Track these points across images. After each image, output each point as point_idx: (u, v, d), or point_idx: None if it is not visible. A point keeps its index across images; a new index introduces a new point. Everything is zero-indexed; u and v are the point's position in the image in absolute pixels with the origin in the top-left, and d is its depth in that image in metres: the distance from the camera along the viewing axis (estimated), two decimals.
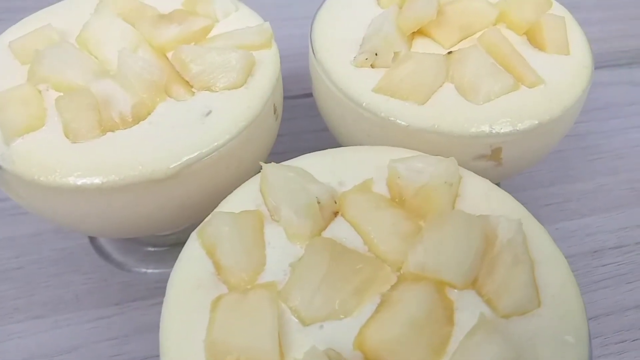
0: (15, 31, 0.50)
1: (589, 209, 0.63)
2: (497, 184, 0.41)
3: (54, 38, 0.47)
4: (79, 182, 0.39)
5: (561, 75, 0.47)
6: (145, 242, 0.59)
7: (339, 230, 0.37)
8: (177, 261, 0.36)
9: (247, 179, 0.47)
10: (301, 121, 0.70)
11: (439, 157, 0.39)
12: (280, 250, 0.36)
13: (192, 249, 0.36)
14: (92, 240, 0.59)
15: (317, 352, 0.30)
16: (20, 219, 0.61)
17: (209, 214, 0.45)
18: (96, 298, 0.56)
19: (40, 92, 0.44)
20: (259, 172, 0.41)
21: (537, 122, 0.44)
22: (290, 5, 0.90)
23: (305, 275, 0.34)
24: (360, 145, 0.48)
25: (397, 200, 0.39)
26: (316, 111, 0.59)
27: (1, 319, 0.54)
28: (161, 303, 0.54)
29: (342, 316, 0.33)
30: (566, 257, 0.37)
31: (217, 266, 0.35)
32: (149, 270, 0.57)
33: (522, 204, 0.39)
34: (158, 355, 0.52)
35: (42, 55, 0.44)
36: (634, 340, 0.53)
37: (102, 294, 0.56)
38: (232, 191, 0.46)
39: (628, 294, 0.56)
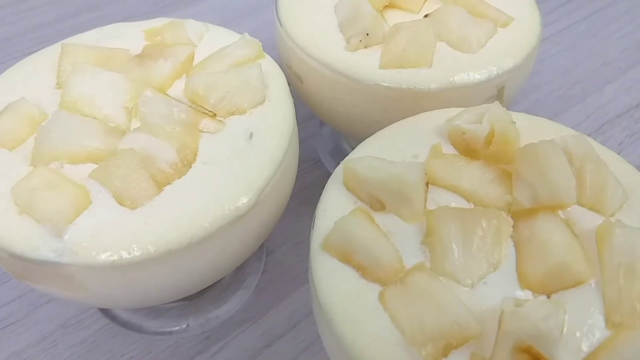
0: None
1: None
2: None
3: (34, 112, 0.42)
4: (166, 246, 0.36)
5: (521, 9, 0.53)
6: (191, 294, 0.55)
7: (439, 198, 0.39)
8: (317, 282, 0.35)
9: (292, 187, 0.47)
10: None
11: (483, 105, 0.43)
12: (401, 234, 0.37)
13: (325, 263, 0.36)
14: (114, 318, 0.54)
15: (510, 300, 0.32)
16: (14, 329, 0.53)
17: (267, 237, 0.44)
18: None
19: (56, 171, 0.39)
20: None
21: (526, 53, 0.50)
22: (209, 13, 0.88)
23: (448, 245, 0.35)
24: (374, 124, 0.49)
25: (468, 154, 0.41)
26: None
27: None
28: (221, 350, 0.53)
29: (495, 267, 0.35)
30: None
31: (360, 268, 0.35)
32: (190, 324, 0.54)
33: None
34: None
35: (47, 131, 0.39)
36: None
37: None
38: (285, 205, 0.45)
39: None
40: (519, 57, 0.49)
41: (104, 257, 0.35)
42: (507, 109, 0.52)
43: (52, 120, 0.40)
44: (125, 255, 0.35)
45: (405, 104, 0.48)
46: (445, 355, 0.32)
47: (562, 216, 0.38)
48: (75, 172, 0.39)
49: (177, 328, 0.53)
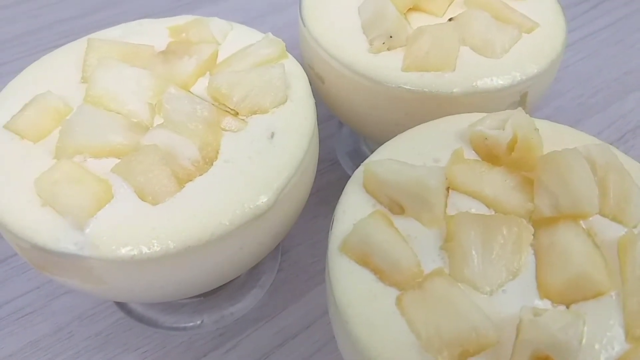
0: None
1: None
2: None
3: (60, 106, 0.42)
4: (185, 242, 0.36)
5: (546, 15, 0.53)
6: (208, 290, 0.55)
7: (460, 203, 0.39)
8: (335, 283, 0.35)
9: (311, 187, 0.47)
10: None
11: (506, 111, 0.42)
12: (422, 238, 0.37)
13: (343, 265, 0.36)
14: (129, 312, 0.54)
15: (527, 311, 0.32)
16: (31, 319, 0.54)
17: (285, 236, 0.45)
18: None
19: (79, 165, 0.39)
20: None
21: (550, 60, 0.49)
22: (234, 11, 0.88)
23: (467, 251, 0.35)
24: (395, 127, 0.49)
25: (489, 160, 0.41)
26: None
27: None
28: (235, 347, 0.53)
29: (515, 275, 0.35)
30: None
31: (378, 272, 0.35)
32: (205, 320, 0.54)
33: None
34: None
35: (71, 125, 0.40)
36: None
37: None
38: (304, 205, 0.45)
39: None
40: (543, 64, 0.49)
41: (124, 251, 0.36)
42: (530, 116, 0.52)
43: (76, 114, 0.40)
44: (145, 250, 0.36)
45: (427, 108, 0.48)
46: None
47: (584, 226, 0.37)
48: (98, 166, 0.39)
49: (191, 324, 0.53)
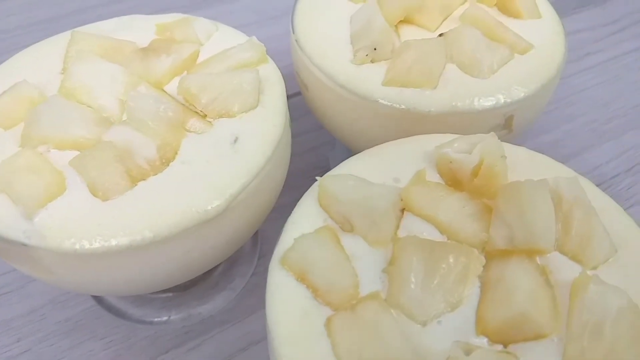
0: None
1: (563, 156, 0.68)
2: None
3: (34, 95, 0.43)
4: (128, 240, 0.36)
5: (543, 37, 0.50)
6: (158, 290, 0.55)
7: (412, 226, 0.38)
8: (269, 295, 0.35)
9: (276, 197, 0.47)
10: (294, 123, 0.69)
11: (478, 135, 0.41)
12: (365, 259, 0.36)
13: (281, 278, 0.35)
14: (100, 301, 0.55)
15: (458, 348, 0.30)
16: (8, 299, 0.55)
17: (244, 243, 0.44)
18: None
19: (42, 155, 0.40)
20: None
21: (540, 84, 0.47)
22: (243, 12, 0.88)
23: (406, 277, 0.34)
24: (374, 140, 0.48)
25: (452, 184, 0.40)
26: (302, 111, 0.59)
27: None
28: (197, 347, 0.53)
29: (454, 307, 0.34)
30: None
31: (314, 289, 0.34)
32: (172, 317, 0.54)
33: None
34: None
35: (37, 114, 0.40)
36: None
37: (129, 354, 0.52)
38: (267, 212, 0.45)
39: None
40: (532, 88, 0.47)
41: (68, 244, 0.36)
42: (518, 139, 0.50)
43: (45, 104, 0.41)
44: (87, 245, 0.36)
45: (405, 125, 0.47)
46: None
47: (540, 262, 0.35)
48: (60, 157, 0.40)
49: (158, 319, 0.54)
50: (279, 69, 0.48)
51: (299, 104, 0.59)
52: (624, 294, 0.32)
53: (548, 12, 0.54)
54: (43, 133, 0.40)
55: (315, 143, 0.69)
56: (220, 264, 0.57)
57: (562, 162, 0.66)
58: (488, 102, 0.45)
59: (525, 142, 0.69)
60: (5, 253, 0.39)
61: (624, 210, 0.39)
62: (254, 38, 0.49)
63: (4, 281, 0.56)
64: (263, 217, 0.45)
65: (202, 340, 0.53)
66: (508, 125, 0.48)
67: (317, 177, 0.39)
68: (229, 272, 0.57)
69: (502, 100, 0.46)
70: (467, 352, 0.31)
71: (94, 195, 0.38)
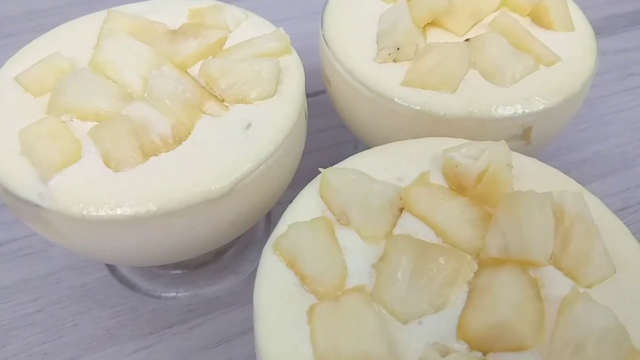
0: (18, 63, 0.47)
1: (590, 176, 0.66)
2: None
3: (66, 66, 0.45)
4: (133, 211, 0.38)
5: (573, 50, 0.49)
6: (170, 266, 0.57)
7: (408, 225, 0.38)
8: (258, 277, 0.35)
9: (286, 185, 0.47)
10: (318, 119, 0.70)
11: (489, 141, 0.40)
12: (358, 253, 0.36)
13: (271, 263, 0.36)
14: (113, 271, 0.57)
15: (432, 349, 0.30)
16: (29, 260, 0.58)
17: (250, 227, 0.45)
18: (130, 330, 0.54)
19: (64, 123, 0.42)
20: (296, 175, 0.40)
21: (562, 98, 0.46)
22: (286, 5, 0.90)
23: (394, 274, 0.34)
24: (390, 139, 0.48)
25: (456, 189, 0.39)
26: (325, 109, 0.59)
27: None
28: (199, 325, 0.54)
29: (437, 309, 0.34)
30: None
31: (302, 277, 0.35)
32: (179, 294, 0.56)
33: None
34: None
35: (64, 84, 0.42)
36: None
37: (135, 325, 0.54)
38: (275, 200, 0.46)
39: None
40: (553, 101, 0.46)
41: (76, 209, 0.38)
42: (543, 155, 0.49)
43: (71, 75, 0.43)
44: (93, 211, 0.38)
45: (421, 126, 0.47)
46: None
47: (533, 275, 0.35)
48: (81, 127, 0.42)
49: (165, 294, 0.55)
50: (304, 64, 0.49)
51: (326, 100, 0.59)
52: (612, 315, 0.31)
53: (583, 27, 0.52)
54: (67, 102, 0.42)
55: (339, 140, 0.69)
56: (231, 247, 0.59)
57: (589, 183, 0.65)
58: (505, 111, 0.45)
59: (553, 159, 0.68)
60: (22, 213, 0.41)
61: None
62: (281, 29, 0.50)
63: (27, 243, 0.59)
64: (269, 205, 0.46)
65: (205, 320, 0.55)
66: (526, 137, 0.47)
67: (320, 169, 0.39)
68: (240, 256, 0.59)
69: (520, 111, 0.45)
70: (443, 355, 0.31)
71: (107, 165, 0.40)
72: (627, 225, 0.61)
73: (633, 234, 0.60)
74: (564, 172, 0.66)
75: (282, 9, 0.89)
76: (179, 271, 0.57)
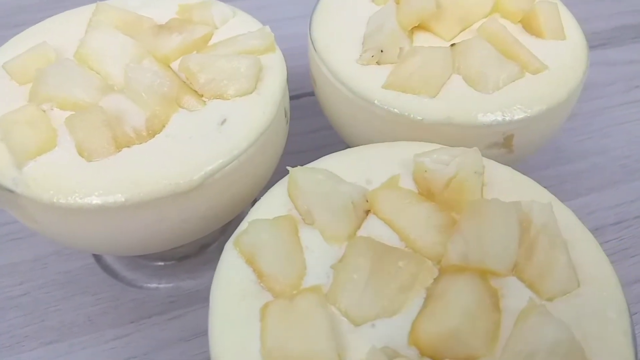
0: (7, 51, 0.48)
1: (586, 188, 0.65)
2: None
3: (51, 56, 0.46)
4: (101, 201, 0.38)
5: (561, 59, 0.49)
6: (153, 257, 0.58)
7: (373, 228, 0.38)
8: (217, 272, 0.36)
9: (263, 184, 0.47)
10: (304, 121, 0.70)
11: (462, 148, 0.40)
12: (319, 253, 0.36)
13: (231, 258, 0.36)
14: (98, 260, 0.58)
15: (378, 353, 0.30)
16: (19, 244, 0.59)
17: (225, 223, 0.45)
18: (110, 318, 0.54)
19: (44, 112, 0.43)
20: (274, 175, 0.41)
21: (545, 107, 0.45)
22: (278, 6, 0.90)
23: (350, 275, 0.34)
24: (371, 142, 0.48)
25: (425, 194, 0.39)
26: (316, 110, 0.59)
27: (12, 349, 0.52)
28: (178, 317, 0.54)
29: (391, 313, 0.33)
30: None
31: (259, 274, 0.35)
32: (161, 285, 0.56)
33: None
34: None
35: (45, 73, 0.43)
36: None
37: (115, 313, 0.55)
38: (250, 197, 0.46)
39: (633, 267, 0.58)
40: (536, 109, 0.45)
41: (46, 195, 0.38)
42: (517, 159, 0.49)
43: (54, 65, 0.44)
44: (62, 199, 0.38)
45: (401, 130, 0.46)
46: None
47: (495, 284, 0.35)
48: (61, 116, 0.42)
49: (147, 285, 0.56)
50: (300, 65, 0.49)
51: (314, 102, 0.59)
52: (565, 328, 0.31)
53: (575, 36, 0.51)
54: (47, 91, 0.43)
55: (331, 141, 0.69)
56: (215, 241, 0.59)
57: (584, 195, 0.64)
58: (485, 118, 0.44)
59: (548, 169, 0.67)
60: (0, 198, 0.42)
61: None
62: (267, 27, 0.50)
63: (17, 228, 0.60)
64: (245, 202, 0.46)
65: (184, 312, 0.55)
66: (508, 145, 0.47)
67: (288, 168, 0.39)
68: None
69: (500, 118, 0.44)
70: (390, 359, 0.31)
71: (80, 154, 0.40)
72: (620, 240, 0.61)
73: (626, 249, 0.60)
74: (559, 183, 0.66)
75: (288, 7, 0.89)
76: (162, 263, 0.58)
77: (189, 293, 0.56)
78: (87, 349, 0.52)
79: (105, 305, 0.55)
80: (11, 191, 0.39)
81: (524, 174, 0.42)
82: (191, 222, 0.43)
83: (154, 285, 0.56)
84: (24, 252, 0.59)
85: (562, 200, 0.63)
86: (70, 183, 0.39)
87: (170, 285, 0.56)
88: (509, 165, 0.43)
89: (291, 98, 0.72)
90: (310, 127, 0.70)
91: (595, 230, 0.61)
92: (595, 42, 0.87)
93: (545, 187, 0.41)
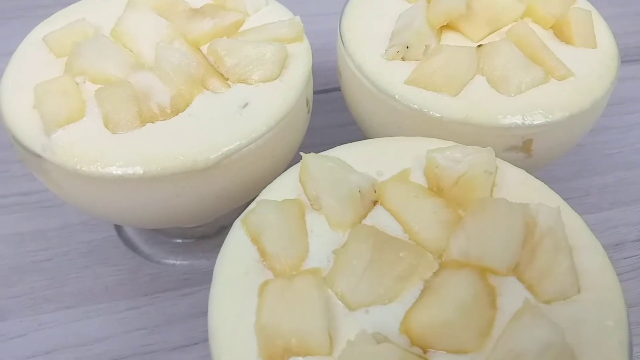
0: (49, 25, 0.50)
1: (609, 203, 0.64)
2: None
3: (89, 32, 0.48)
4: (121, 171, 0.40)
5: (590, 68, 0.48)
6: (173, 235, 0.59)
7: (379, 218, 0.38)
8: (223, 248, 0.37)
9: (280, 170, 0.48)
10: (328, 115, 0.71)
11: (475, 147, 0.40)
12: (323, 237, 0.37)
13: (237, 236, 0.37)
14: (120, 232, 0.60)
15: (366, 336, 0.31)
16: (48, 212, 0.62)
17: (241, 205, 0.46)
18: (126, 289, 0.56)
19: (77, 84, 0.45)
20: (292, 163, 0.42)
21: (568, 114, 0.45)
22: (316, 1, 0.91)
23: (350, 261, 0.35)
24: (390, 136, 0.49)
25: (435, 189, 0.39)
26: (341, 106, 0.60)
27: (32, 309, 0.54)
28: (190, 294, 0.56)
29: (386, 301, 0.34)
30: None
31: (263, 253, 0.36)
32: (177, 262, 0.58)
33: None
34: (188, 345, 0.53)
35: (81, 47, 0.45)
36: None
37: (131, 285, 0.57)
38: (265, 182, 0.47)
39: None
40: (557, 116, 0.45)
41: (70, 162, 0.40)
42: (536, 165, 0.48)
43: (89, 41, 0.46)
44: (85, 167, 0.40)
45: (419, 127, 0.47)
46: (283, 358, 0.32)
47: (493, 282, 0.35)
48: (92, 89, 0.44)
49: (164, 261, 0.58)
50: (330, 60, 0.50)
51: (340, 98, 0.60)
52: (558, 331, 0.31)
53: (607, 45, 0.51)
54: (82, 64, 0.45)
55: (354, 137, 0.69)
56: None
57: (607, 210, 0.63)
58: (504, 120, 0.44)
59: (572, 181, 0.66)
60: (29, 163, 0.44)
61: None
62: (298, 17, 0.51)
63: (47, 196, 0.63)
64: (259, 186, 0.47)
65: (196, 290, 0.57)
66: (526, 149, 0.46)
67: (302, 153, 0.40)
68: None
69: (520, 122, 0.44)
70: (379, 342, 0.31)
71: (106, 126, 0.42)
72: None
73: None
74: (582, 196, 0.65)
75: (322, 3, 0.89)
76: (181, 240, 0.59)
77: (203, 272, 0.58)
78: (101, 317, 0.54)
79: (123, 277, 0.57)
80: (39, 156, 0.41)
81: (543, 181, 0.41)
82: (206, 200, 0.44)
83: (170, 261, 0.58)
84: (52, 220, 0.62)
85: (583, 213, 0.62)
86: (93, 152, 0.41)
87: (186, 262, 0.58)
88: (529, 171, 0.42)
89: (320, 92, 0.74)
90: (336, 121, 0.70)
91: (615, 246, 0.60)
92: (636, 56, 0.85)
93: (567, 199, 0.40)
